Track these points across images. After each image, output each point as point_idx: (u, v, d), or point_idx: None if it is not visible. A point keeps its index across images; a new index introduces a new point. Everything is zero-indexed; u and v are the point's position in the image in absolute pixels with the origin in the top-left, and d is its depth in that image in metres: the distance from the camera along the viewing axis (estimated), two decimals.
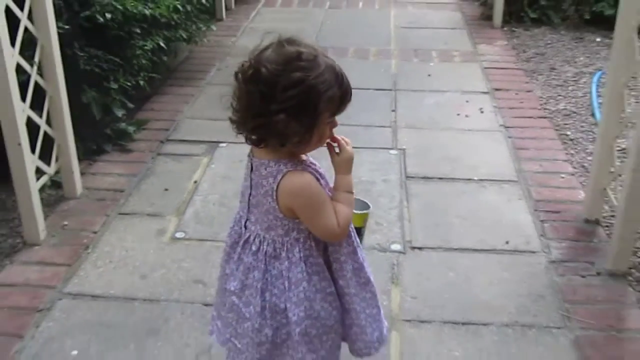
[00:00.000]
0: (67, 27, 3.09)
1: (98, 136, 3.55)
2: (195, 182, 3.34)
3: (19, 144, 2.67)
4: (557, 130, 3.87)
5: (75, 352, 2.31)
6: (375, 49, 5.15)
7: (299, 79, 1.52)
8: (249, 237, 1.75)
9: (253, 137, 1.61)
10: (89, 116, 3.40)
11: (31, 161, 2.77)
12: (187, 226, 2.99)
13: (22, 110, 2.69)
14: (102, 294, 2.58)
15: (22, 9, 2.71)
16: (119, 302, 2.54)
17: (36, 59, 2.84)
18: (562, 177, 3.37)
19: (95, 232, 2.93)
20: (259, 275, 1.73)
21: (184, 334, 2.39)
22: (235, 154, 3.57)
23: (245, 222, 1.77)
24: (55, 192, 3.15)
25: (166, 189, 3.27)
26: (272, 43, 1.59)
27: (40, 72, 2.87)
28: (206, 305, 2.52)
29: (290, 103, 1.52)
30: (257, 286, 1.73)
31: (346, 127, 3.76)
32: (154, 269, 2.72)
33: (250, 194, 1.73)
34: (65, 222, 2.99)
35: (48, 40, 2.86)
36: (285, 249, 1.73)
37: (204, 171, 3.43)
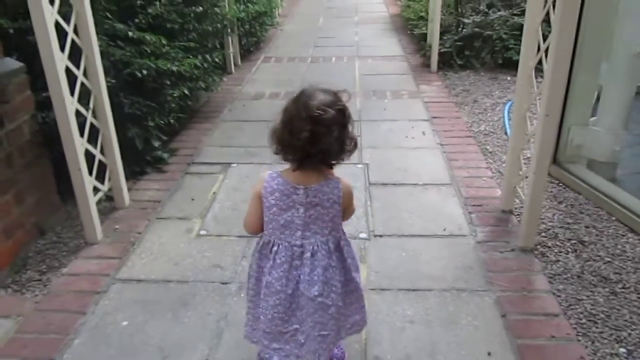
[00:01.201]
0: (113, 81, 3.06)
1: (141, 161, 3.51)
2: (214, 193, 3.30)
3: (79, 169, 2.64)
4: (479, 145, 3.87)
5: (125, 323, 2.27)
6: None
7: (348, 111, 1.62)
8: (313, 247, 1.66)
9: (333, 162, 1.62)
10: (134, 147, 3.36)
11: (89, 181, 2.73)
12: (208, 225, 2.95)
13: (81, 144, 2.66)
14: (145, 278, 2.54)
15: (78, 68, 2.68)
16: (158, 284, 2.50)
17: (90, 105, 2.81)
18: (484, 180, 3.36)
19: (139, 233, 2.89)
20: (335, 268, 1.69)
21: (207, 305, 2.36)
22: (242, 172, 3.54)
23: (301, 240, 1.66)
24: (109, 204, 3.10)
25: (192, 199, 3.22)
26: (310, 91, 1.57)
27: (94, 115, 2.84)
28: (223, 283, 2.49)
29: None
30: (337, 277, 1.69)
31: None
32: (184, 258, 2.68)
33: (305, 216, 1.64)
34: (117, 226, 2.94)
35: (99, 91, 2.82)
36: (342, 238, 1.74)
37: (220, 185, 3.39)
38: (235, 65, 5.85)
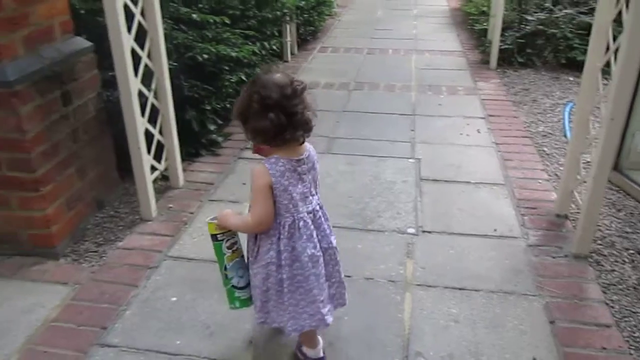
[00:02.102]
0: (175, 64, 3.13)
1: (196, 143, 3.59)
2: None
3: (139, 148, 2.72)
4: (536, 147, 3.76)
5: (174, 299, 2.34)
6: (399, 84, 5.08)
7: None
8: (319, 203, 1.81)
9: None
10: (190, 129, 3.44)
11: (147, 160, 2.82)
12: None
13: (141, 124, 2.74)
14: (195, 257, 2.61)
15: (142, 49, 2.76)
16: (207, 263, 2.55)
17: (152, 86, 2.90)
18: (539, 182, 3.27)
19: (191, 213, 2.96)
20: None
21: None
22: None
23: (314, 204, 1.78)
24: (164, 183, 3.19)
25: (243, 183, 3.27)
26: (267, 77, 1.66)
27: (155, 96, 2.92)
28: None
29: None
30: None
31: (376, 141, 3.80)
32: None
33: (308, 182, 1.73)
34: (171, 205, 3.03)
35: (161, 73, 2.90)
36: None
37: None
38: (291, 53, 5.88)
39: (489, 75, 5.30)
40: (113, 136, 3.04)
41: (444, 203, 3.07)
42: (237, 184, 3.28)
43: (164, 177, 3.19)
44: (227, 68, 3.64)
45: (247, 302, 1.92)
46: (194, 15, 3.38)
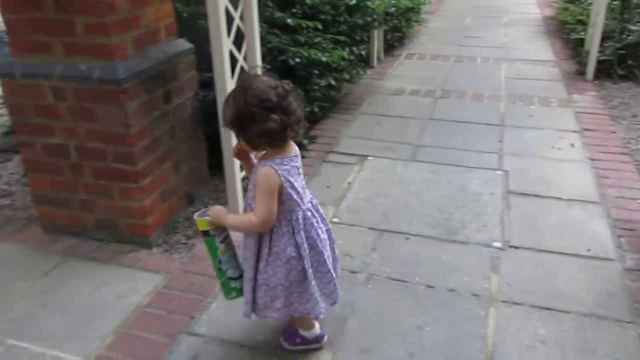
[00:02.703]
0: (268, 67, 3.22)
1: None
2: (349, 183, 3.36)
3: (231, 146, 2.81)
4: (636, 165, 3.53)
5: None
6: (488, 93, 4.95)
7: None
8: (314, 198, 1.93)
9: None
10: None
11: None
12: (341, 214, 3.02)
13: None
14: None
15: (239, 52, 2.86)
16: None
17: None
18: (638, 203, 3.08)
19: None
20: None
21: None
22: (378, 165, 3.56)
23: (311, 195, 1.91)
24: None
25: (328, 186, 3.31)
26: (253, 80, 1.73)
27: None
28: (352, 272, 2.53)
29: None
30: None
31: (462, 151, 3.72)
32: None
33: (302, 171, 1.87)
34: None
35: None
36: None
37: (355, 176, 3.45)
38: (378, 59, 5.88)
39: (584, 87, 5.04)
40: (206, 135, 3.16)
41: (532, 218, 2.95)
42: (322, 186, 3.31)
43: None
44: (316, 72, 3.69)
45: (241, 291, 1.99)
46: (289, 20, 3.46)
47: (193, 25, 3.18)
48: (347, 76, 4.23)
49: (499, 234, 2.81)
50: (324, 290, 1.95)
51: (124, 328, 2.22)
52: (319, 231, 1.87)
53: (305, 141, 3.78)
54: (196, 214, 1.91)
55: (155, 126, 2.66)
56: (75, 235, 2.82)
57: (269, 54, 3.30)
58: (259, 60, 2.98)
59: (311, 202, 1.89)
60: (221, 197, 3.16)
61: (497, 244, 2.73)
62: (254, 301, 1.95)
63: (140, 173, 2.57)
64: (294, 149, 1.82)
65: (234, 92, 1.76)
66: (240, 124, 1.73)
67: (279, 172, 1.73)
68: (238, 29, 2.80)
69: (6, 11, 2.46)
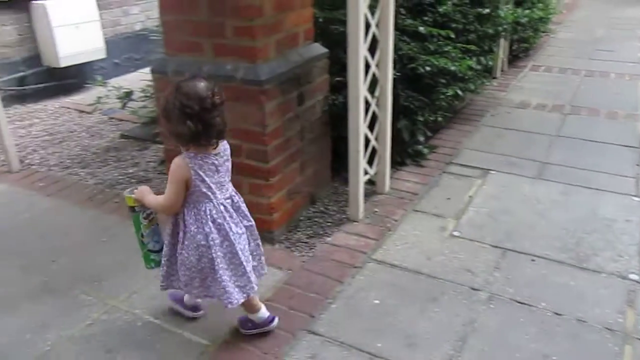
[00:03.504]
0: (398, 74, 3.21)
1: (402, 152, 3.63)
2: (470, 196, 3.26)
3: (358, 151, 2.84)
4: None
5: (376, 301, 2.41)
6: (623, 112, 4.60)
7: None
8: (235, 191, 2.06)
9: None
10: (399, 138, 3.49)
11: (362, 164, 2.93)
12: (462, 228, 2.94)
13: (363, 129, 2.86)
14: (398, 265, 2.64)
15: (373, 58, 2.88)
16: (409, 272, 2.58)
17: (376, 94, 3.01)
18: None
19: (395, 220, 3.01)
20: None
21: (455, 306, 2.36)
22: (502, 180, 3.44)
23: (230, 192, 2.03)
24: (370, 187, 3.27)
25: (448, 198, 3.24)
26: (189, 85, 1.85)
27: (377, 104, 3.03)
28: (473, 289, 2.46)
29: None
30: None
31: (594, 172, 3.49)
32: (435, 254, 2.72)
33: (223, 172, 1.98)
34: (376, 210, 3.11)
35: (386, 82, 3.00)
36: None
37: (477, 190, 3.34)
38: (501, 70, 5.68)
39: None
40: (331, 137, 3.22)
41: None
42: (442, 198, 3.25)
43: (370, 182, 3.29)
44: (443, 81, 3.62)
45: (160, 263, 2.15)
46: (420, 28, 3.42)
47: (326, 30, 3.24)
48: (472, 86, 4.11)
49: (636, 266, 2.60)
50: (237, 282, 2.04)
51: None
52: (232, 225, 1.99)
53: (425, 150, 3.73)
54: (126, 190, 2.11)
55: (288, 127, 2.75)
56: None
57: (399, 61, 3.29)
58: (390, 68, 2.99)
59: (231, 199, 2.03)
60: (341, 199, 3.20)
61: (635, 277, 2.53)
62: (167, 276, 2.13)
63: (271, 171, 2.67)
64: (219, 147, 1.95)
65: (171, 87, 1.89)
66: (165, 117, 1.91)
67: (190, 164, 1.90)
68: (373, 35, 2.82)
69: (165, 13, 2.65)
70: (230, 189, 2.05)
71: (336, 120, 3.16)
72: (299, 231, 2.93)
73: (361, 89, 2.73)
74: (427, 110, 3.59)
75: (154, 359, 2.12)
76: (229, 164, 2.02)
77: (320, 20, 3.22)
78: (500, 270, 2.59)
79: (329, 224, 2.99)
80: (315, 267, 2.63)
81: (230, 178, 2.05)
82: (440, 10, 3.67)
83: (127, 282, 2.54)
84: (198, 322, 2.28)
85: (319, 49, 2.97)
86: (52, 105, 5.09)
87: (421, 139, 3.66)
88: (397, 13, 3.45)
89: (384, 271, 2.60)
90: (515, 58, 6.18)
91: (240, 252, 2.01)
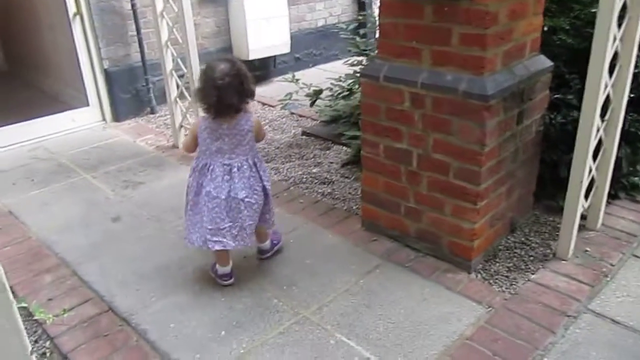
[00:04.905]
0: (632, 95, 2.76)
1: (615, 184, 3.14)
2: None
3: (581, 182, 2.48)
4: None
5: None
6: None
7: None
8: (238, 165, 2.34)
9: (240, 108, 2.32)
10: (616, 167, 3.02)
11: (582, 197, 2.55)
12: None
13: (590, 156, 2.48)
14: (622, 321, 2.24)
15: (610, 76, 2.48)
16: (637, 334, 2.18)
17: (606, 117, 2.59)
18: None
19: (612, 265, 2.59)
20: (254, 177, 2.39)
21: None
22: None
23: (228, 161, 2.34)
24: (581, 221, 2.87)
25: None
26: (212, 64, 2.27)
27: (605, 128, 2.62)
28: None
29: None
30: (257, 184, 2.39)
31: None
32: None
33: (230, 143, 2.32)
34: (587, 249, 2.70)
35: (619, 104, 2.58)
36: (257, 157, 2.44)
37: None
38: None
39: None
40: (540, 160, 2.87)
41: None
42: None
43: (581, 215, 2.88)
44: None
45: None
46: None
47: (546, 39, 2.88)
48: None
49: None
50: (194, 227, 2.39)
51: (447, 358, 2.09)
52: (210, 184, 2.31)
53: None
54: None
55: (503, 147, 2.46)
56: (393, 239, 2.81)
57: (634, 80, 2.82)
58: (627, 88, 2.57)
59: (230, 167, 2.32)
60: (543, 230, 2.85)
61: None
62: None
63: (480, 194, 2.40)
64: (234, 121, 2.31)
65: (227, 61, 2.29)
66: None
67: (201, 123, 2.35)
68: (615, 50, 2.42)
69: (384, 15, 2.49)
70: (235, 158, 2.33)
71: (550, 141, 2.81)
72: (497, 262, 2.64)
73: (597, 113, 2.36)
74: None
75: None
76: (241, 138, 2.32)
77: (545, 28, 2.86)
78: None
79: (531, 257, 2.66)
80: (520, 309, 2.33)
81: (242, 150, 2.34)
82: None
83: (317, 292, 2.45)
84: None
85: (544, 61, 2.64)
86: None
87: None
88: None
89: (604, 327, 2.22)
90: None
91: (205, 209, 2.33)
